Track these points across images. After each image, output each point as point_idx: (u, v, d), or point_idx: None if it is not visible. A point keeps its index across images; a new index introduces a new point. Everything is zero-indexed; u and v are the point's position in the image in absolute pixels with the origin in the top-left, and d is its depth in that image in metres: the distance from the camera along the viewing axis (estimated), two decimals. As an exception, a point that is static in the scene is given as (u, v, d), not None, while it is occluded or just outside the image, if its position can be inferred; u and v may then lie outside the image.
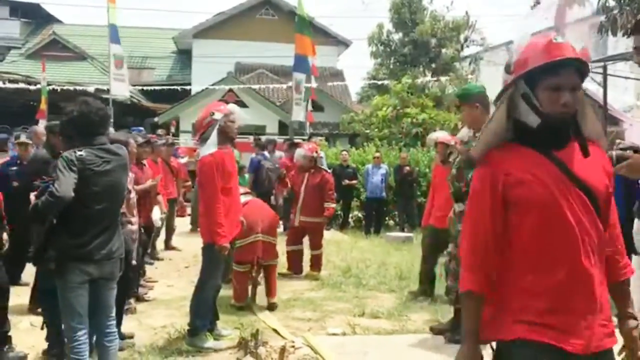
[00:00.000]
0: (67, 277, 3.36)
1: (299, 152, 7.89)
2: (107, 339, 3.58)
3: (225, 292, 5.78)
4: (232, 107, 4.96)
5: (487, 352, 1.96)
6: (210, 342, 4.75)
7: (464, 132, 6.43)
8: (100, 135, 3.54)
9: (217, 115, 4.72)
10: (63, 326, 3.46)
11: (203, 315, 4.78)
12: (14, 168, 6.26)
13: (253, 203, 6.13)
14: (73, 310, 3.39)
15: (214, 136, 4.70)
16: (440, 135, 6.49)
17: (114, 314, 3.68)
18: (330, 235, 10.82)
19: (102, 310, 3.58)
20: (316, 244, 7.67)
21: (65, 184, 3.24)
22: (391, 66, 23.87)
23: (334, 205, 7.90)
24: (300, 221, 7.60)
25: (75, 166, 3.31)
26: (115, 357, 3.67)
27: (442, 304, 6.00)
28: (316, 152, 7.88)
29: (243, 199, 5.73)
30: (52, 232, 3.39)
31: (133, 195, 4.96)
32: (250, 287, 6.14)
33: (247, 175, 10.69)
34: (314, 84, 18.11)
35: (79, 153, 3.37)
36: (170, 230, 9.28)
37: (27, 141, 6.62)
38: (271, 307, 5.89)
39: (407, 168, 12.40)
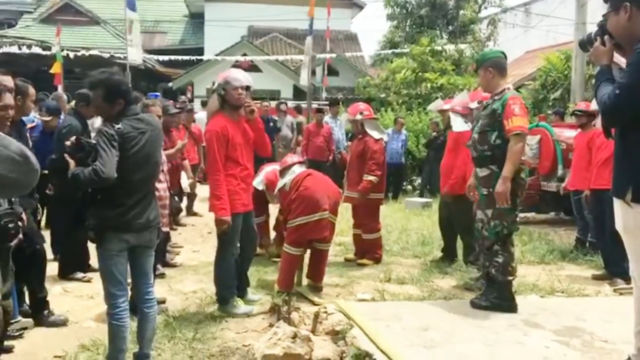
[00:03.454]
0: (106, 246, 3.39)
1: (344, 118, 6.98)
2: (146, 305, 3.62)
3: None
4: (232, 72, 4.76)
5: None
6: (242, 308, 4.79)
7: (459, 100, 6.36)
8: (133, 104, 3.53)
9: (215, 85, 4.67)
10: (103, 293, 3.50)
11: (227, 285, 4.78)
12: (35, 135, 6.19)
13: (317, 176, 5.50)
14: (113, 277, 3.42)
15: (212, 102, 4.69)
16: (438, 104, 6.79)
17: (152, 281, 3.72)
18: (349, 201, 10.85)
19: (141, 277, 3.62)
20: (367, 226, 6.56)
21: (110, 163, 3.23)
22: (407, 29, 23.43)
23: (372, 178, 6.39)
24: (345, 197, 6.66)
25: (116, 141, 3.30)
26: (155, 323, 3.72)
27: (467, 269, 6.04)
28: (361, 113, 6.60)
29: (298, 169, 5.53)
30: (91, 201, 3.40)
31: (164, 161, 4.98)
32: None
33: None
34: (328, 48, 17.98)
35: (117, 126, 3.35)
36: (192, 197, 9.32)
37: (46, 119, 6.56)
38: (316, 290, 5.33)
39: (435, 133, 12.33)
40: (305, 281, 5.50)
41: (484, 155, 4.53)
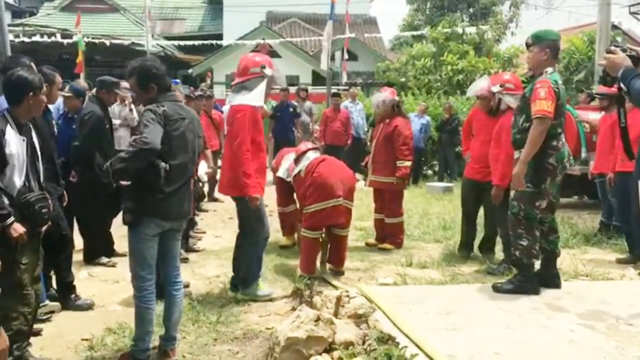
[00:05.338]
0: (141, 230, 3.44)
1: (377, 98, 6.70)
2: (174, 288, 3.68)
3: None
4: (277, 67, 4.83)
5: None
6: (264, 290, 4.82)
7: (479, 85, 6.08)
8: (170, 90, 3.57)
9: (268, 71, 4.64)
10: (131, 275, 3.55)
11: (252, 267, 4.80)
12: (60, 121, 6.23)
13: (330, 162, 5.50)
14: (144, 260, 3.48)
15: (261, 89, 4.60)
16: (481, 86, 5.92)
17: (179, 264, 3.77)
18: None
19: (169, 261, 3.68)
20: (390, 210, 6.51)
21: (155, 133, 3.26)
22: (427, 12, 23.18)
23: (408, 163, 6.36)
24: (370, 181, 6.68)
25: (162, 120, 3.35)
26: (182, 305, 3.77)
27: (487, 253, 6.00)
28: (398, 95, 6.55)
29: (312, 155, 5.54)
30: (130, 186, 3.42)
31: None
32: (320, 253, 5.45)
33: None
34: (348, 33, 17.88)
35: (162, 108, 3.40)
36: (213, 182, 9.36)
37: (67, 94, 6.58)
38: (337, 274, 5.33)
39: (447, 115, 12.32)
40: (327, 266, 5.50)
41: (515, 139, 4.54)
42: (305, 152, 5.62)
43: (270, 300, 4.77)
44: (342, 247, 5.42)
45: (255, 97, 4.58)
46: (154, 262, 3.54)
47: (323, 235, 5.33)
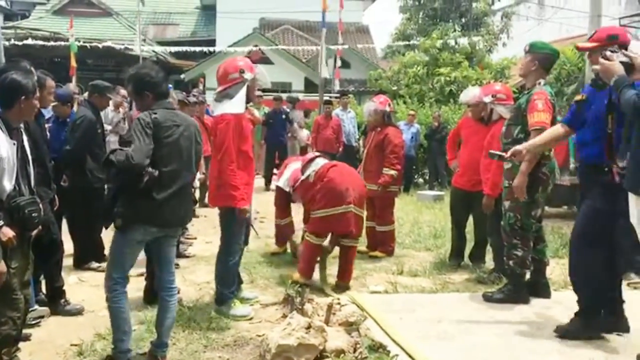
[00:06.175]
0: (130, 234, 3.43)
1: (368, 107, 6.71)
2: (168, 294, 3.66)
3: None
4: (259, 68, 4.70)
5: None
6: (240, 310, 4.59)
7: (469, 94, 6.06)
8: (166, 98, 3.58)
9: (248, 75, 4.48)
10: (105, 275, 3.56)
11: (229, 283, 4.63)
12: (49, 125, 6.16)
13: (342, 168, 5.37)
14: (122, 264, 3.49)
15: (242, 96, 4.45)
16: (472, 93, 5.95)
17: (174, 270, 3.76)
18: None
19: (164, 266, 3.67)
20: (382, 218, 6.50)
21: (141, 151, 3.28)
22: (419, 21, 23.28)
23: (393, 172, 6.31)
24: None
25: (151, 129, 3.35)
26: (175, 311, 3.74)
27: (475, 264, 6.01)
28: (389, 105, 6.63)
29: (322, 161, 5.48)
30: (123, 191, 3.41)
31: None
32: (320, 262, 5.30)
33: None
34: (340, 41, 17.94)
35: (153, 116, 3.41)
36: (204, 188, 9.35)
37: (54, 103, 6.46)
38: (342, 289, 5.08)
39: (436, 124, 12.42)
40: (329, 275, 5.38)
41: (507, 149, 4.53)
42: (313, 159, 5.59)
43: (263, 306, 4.70)
44: (348, 260, 5.23)
45: (236, 105, 4.43)
46: (130, 269, 3.54)
47: (325, 243, 5.22)
